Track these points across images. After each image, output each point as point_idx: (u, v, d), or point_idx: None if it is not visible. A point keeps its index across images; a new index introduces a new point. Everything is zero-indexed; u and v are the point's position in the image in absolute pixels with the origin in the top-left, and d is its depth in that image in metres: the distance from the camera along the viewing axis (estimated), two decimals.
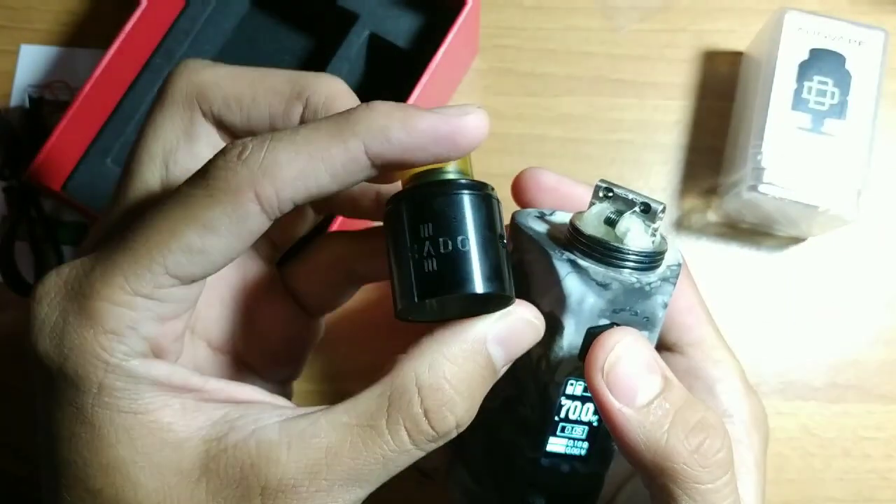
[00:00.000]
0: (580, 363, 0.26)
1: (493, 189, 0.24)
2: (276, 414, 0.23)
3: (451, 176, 0.24)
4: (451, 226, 0.23)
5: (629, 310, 0.26)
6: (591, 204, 0.27)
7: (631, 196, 0.26)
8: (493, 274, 0.23)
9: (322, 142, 0.22)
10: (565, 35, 0.48)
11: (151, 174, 0.25)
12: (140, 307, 0.22)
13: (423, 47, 0.43)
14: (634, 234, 0.26)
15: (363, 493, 0.23)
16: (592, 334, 0.26)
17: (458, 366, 0.23)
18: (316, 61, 0.46)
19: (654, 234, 0.27)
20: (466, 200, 0.23)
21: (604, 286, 0.26)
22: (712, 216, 0.47)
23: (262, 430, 0.23)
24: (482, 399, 0.24)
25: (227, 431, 0.23)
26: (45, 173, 0.42)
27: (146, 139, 0.26)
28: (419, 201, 0.23)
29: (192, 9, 0.45)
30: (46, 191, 0.43)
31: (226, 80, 0.26)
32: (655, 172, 0.47)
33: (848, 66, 0.42)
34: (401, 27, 0.44)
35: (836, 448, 0.44)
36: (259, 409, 0.24)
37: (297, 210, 0.24)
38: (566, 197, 0.30)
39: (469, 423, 0.24)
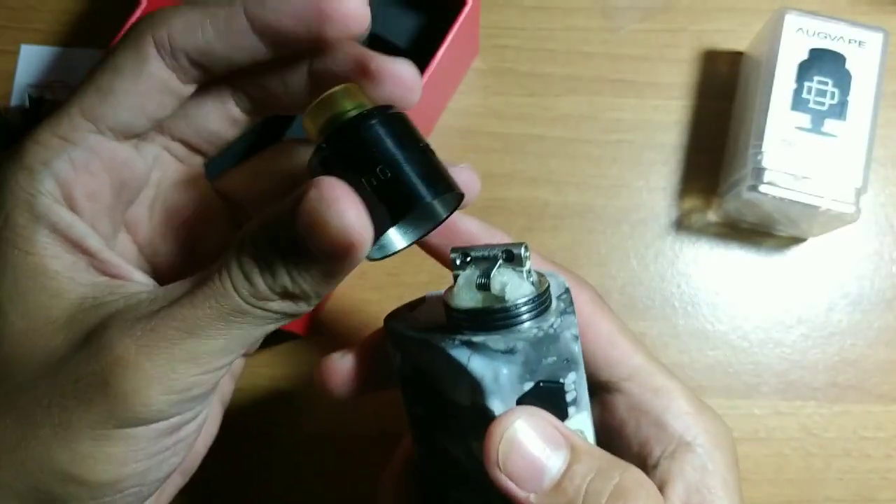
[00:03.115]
0: None
1: (395, 106, 0.24)
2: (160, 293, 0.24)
3: (352, 111, 0.23)
4: (379, 157, 0.22)
5: (546, 361, 0.25)
6: (455, 276, 0.26)
7: (489, 252, 0.25)
8: (433, 180, 0.23)
9: (213, 4, 0.24)
10: (565, 35, 0.48)
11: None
12: (55, 146, 0.24)
13: (423, 47, 0.43)
14: (512, 287, 0.25)
15: (226, 358, 0.24)
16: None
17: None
18: None
19: (529, 277, 0.25)
20: (379, 128, 0.23)
21: (510, 352, 0.24)
22: (712, 216, 0.47)
23: (134, 296, 0.24)
24: None
25: (105, 294, 0.24)
26: None
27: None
28: (337, 149, 0.23)
29: None
30: None
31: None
32: (655, 172, 0.47)
33: (848, 66, 0.42)
34: (401, 27, 0.44)
35: (836, 448, 0.44)
36: (143, 288, 0.25)
37: (222, 108, 0.27)
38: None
39: None
